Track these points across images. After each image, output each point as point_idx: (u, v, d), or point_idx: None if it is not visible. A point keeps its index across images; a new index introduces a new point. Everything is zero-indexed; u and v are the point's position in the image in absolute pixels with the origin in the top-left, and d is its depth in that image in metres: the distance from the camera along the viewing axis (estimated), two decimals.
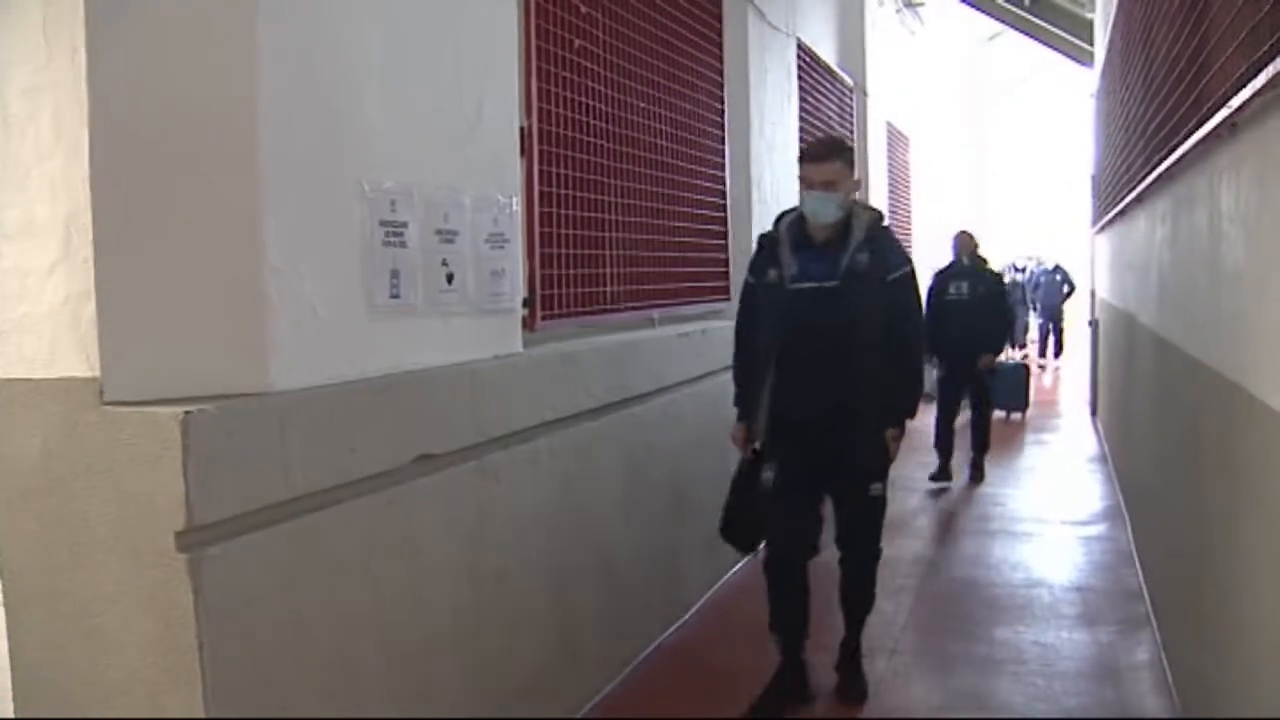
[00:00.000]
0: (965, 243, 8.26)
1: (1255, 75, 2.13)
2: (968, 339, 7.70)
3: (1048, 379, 15.67)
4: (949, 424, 7.98)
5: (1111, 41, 7.38)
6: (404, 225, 2.80)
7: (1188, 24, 3.27)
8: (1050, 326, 16.83)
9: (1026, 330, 17.23)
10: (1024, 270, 17.17)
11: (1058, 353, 16.87)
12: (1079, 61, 12.40)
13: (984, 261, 8.34)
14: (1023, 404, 10.78)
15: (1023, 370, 10.96)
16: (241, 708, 2.20)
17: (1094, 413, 10.40)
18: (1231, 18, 2.47)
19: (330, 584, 2.48)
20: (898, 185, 11.73)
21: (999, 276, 8.59)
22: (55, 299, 2.27)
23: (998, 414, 9.15)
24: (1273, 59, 1.96)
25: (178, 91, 2.30)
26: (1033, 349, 17.04)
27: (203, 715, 2.10)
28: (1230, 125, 2.71)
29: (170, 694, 2.13)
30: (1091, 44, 10.67)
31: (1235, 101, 2.38)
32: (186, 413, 2.10)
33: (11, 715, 2.35)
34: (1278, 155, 2.27)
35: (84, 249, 2.23)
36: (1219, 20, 2.70)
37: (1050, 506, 7.07)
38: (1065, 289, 16.27)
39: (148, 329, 2.28)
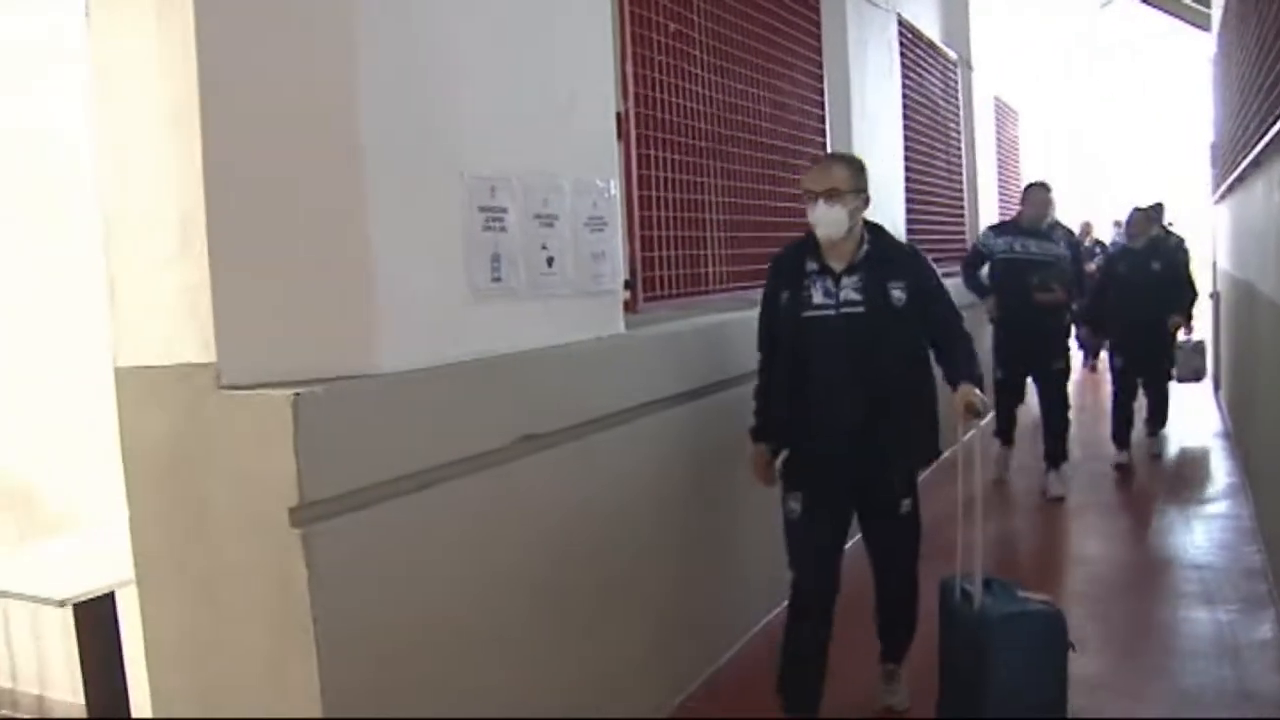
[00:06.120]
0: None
1: None
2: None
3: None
4: None
5: (1228, 2, 7.12)
6: (504, 210, 2.86)
7: None
8: (1139, 374, 7.30)
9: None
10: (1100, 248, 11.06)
11: (1155, 426, 7.62)
12: (1196, 25, 11.96)
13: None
14: None
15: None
16: (355, 674, 2.29)
17: (1216, 389, 10.03)
18: None
19: (436, 558, 2.56)
20: (1006, 162, 11.45)
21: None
22: (174, 290, 2.39)
23: None
24: None
25: (284, 90, 2.39)
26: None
27: (318, 681, 2.19)
28: None
29: (287, 660, 2.23)
30: (1208, 7, 10.28)
31: None
32: (297, 394, 2.18)
33: (145, 674, 2.50)
34: None
35: (199, 242, 2.34)
36: None
37: (1171, 484, 6.87)
38: (1169, 289, 7.04)
39: (261, 316, 2.39)
